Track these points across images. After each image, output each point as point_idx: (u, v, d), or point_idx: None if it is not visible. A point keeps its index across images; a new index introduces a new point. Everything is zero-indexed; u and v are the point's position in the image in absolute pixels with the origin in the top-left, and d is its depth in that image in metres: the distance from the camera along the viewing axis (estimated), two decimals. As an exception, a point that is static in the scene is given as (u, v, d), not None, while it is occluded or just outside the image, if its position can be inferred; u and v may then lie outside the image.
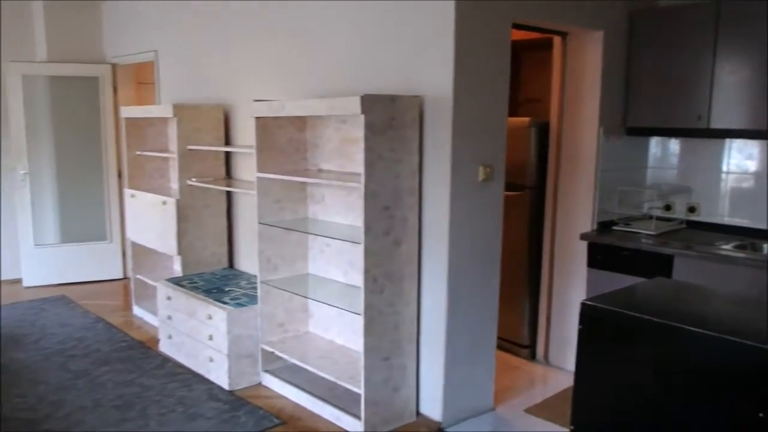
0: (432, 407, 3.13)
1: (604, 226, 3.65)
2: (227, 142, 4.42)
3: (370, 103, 2.80)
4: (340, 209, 3.45)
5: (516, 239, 3.90)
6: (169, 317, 4.07)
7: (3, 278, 5.93)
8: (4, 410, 3.40)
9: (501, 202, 3.16)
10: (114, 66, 5.67)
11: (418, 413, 3.19)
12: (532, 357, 3.98)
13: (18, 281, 5.89)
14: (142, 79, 5.97)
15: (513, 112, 3.43)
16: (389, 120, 2.87)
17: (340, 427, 3.14)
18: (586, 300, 2.11)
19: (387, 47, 3.15)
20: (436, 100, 2.93)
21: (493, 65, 3.02)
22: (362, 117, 2.79)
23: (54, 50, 5.58)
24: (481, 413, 3.24)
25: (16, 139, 5.51)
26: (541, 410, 3.32)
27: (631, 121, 3.69)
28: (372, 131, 2.81)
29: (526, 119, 3.83)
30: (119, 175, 5.82)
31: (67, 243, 5.80)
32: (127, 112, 4.69)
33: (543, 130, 3.83)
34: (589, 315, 2.11)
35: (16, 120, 5.48)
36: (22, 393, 3.63)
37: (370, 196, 2.85)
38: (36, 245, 5.67)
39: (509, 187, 3.34)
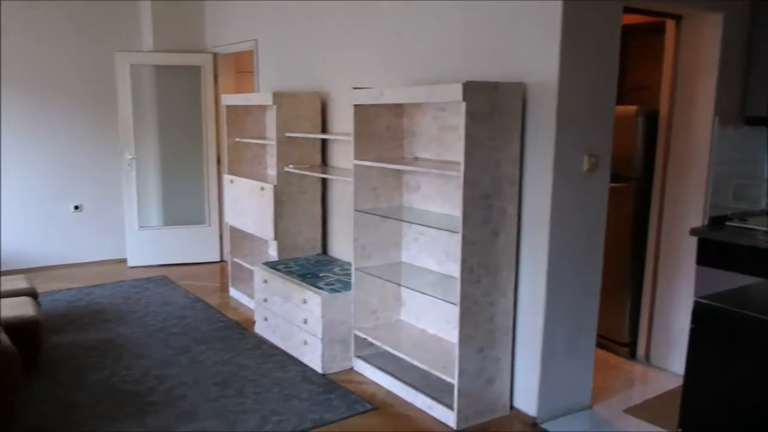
0: (526, 401, 3.10)
1: (716, 222, 3.48)
2: (324, 130, 4.52)
3: (471, 90, 2.78)
4: (437, 198, 3.46)
5: (618, 232, 3.78)
6: (265, 300, 4.22)
7: (110, 258, 6.39)
8: (113, 381, 3.65)
9: (605, 193, 3.07)
10: (215, 55, 5.91)
11: (511, 407, 3.17)
12: (632, 356, 3.86)
13: (123, 261, 6.28)
14: (241, 67, 6.19)
15: (619, 100, 3.32)
16: (491, 108, 2.84)
17: (433, 416, 3.17)
18: (700, 298, 2.03)
19: (487, 32, 3.11)
20: (540, 86, 2.88)
21: (602, 50, 2.92)
22: (463, 104, 2.77)
23: (159, 40, 5.87)
24: (577, 411, 3.18)
25: (124, 126, 5.86)
26: (642, 411, 3.22)
27: (750, 110, 3.49)
28: (473, 119, 2.80)
29: (633, 107, 3.69)
30: (218, 161, 6.07)
31: (169, 226, 6.12)
32: (228, 99, 4.89)
33: (651, 119, 3.69)
34: (703, 314, 2.03)
35: (125, 107, 5.82)
36: (128, 366, 3.88)
37: (469, 185, 2.84)
38: (140, 227, 6.02)
39: (613, 178, 3.24)
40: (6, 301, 3.92)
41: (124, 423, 3.12)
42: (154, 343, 4.26)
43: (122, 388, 3.53)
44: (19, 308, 3.78)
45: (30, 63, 5.61)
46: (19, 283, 4.32)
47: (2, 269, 5.71)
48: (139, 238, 6.01)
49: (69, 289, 5.37)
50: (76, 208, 5.99)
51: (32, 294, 4.20)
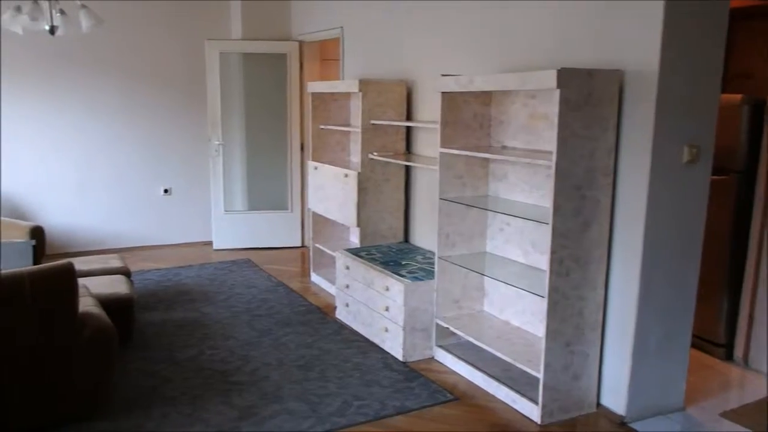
0: (614, 399, 3.02)
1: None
2: (408, 117, 4.52)
3: (566, 77, 2.71)
4: (524, 187, 3.41)
5: (718, 227, 3.61)
6: (347, 286, 4.29)
7: (196, 240, 6.65)
8: (201, 359, 3.80)
9: (706, 186, 2.94)
10: (301, 43, 6.01)
11: (598, 404, 3.09)
12: (728, 357, 3.69)
13: (209, 244, 6.52)
14: (325, 55, 6.28)
15: (721, 88, 3.17)
16: (586, 95, 2.76)
17: (516, 410, 3.14)
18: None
19: (582, 17, 3.02)
20: (639, 73, 2.77)
21: (707, 35, 2.79)
22: (557, 92, 2.71)
23: (248, 29, 6.03)
24: (669, 412, 3.07)
25: (213, 112, 6.05)
26: (740, 416, 3.08)
27: None
28: (567, 107, 2.73)
29: (737, 96, 3.51)
30: (301, 148, 6.19)
31: (252, 211, 6.30)
32: (314, 87, 4.96)
33: (757, 109, 3.50)
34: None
35: (213, 94, 6.01)
36: (214, 345, 4.03)
37: (560, 175, 2.77)
38: (225, 211, 6.22)
39: (714, 170, 3.10)
40: (102, 278, 4.14)
41: (212, 400, 3.25)
42: (239, 324, 4.40)
43: (209, 367, 3.66)
44: (114, 286, 3.98)
45: (124, 52, 5.88)
46: (114, 262, 4.55)
47: (98, 248, 6.04)
48: (224, 222, 6.21)
49: (158, 269, 5.62)
50: (166, 191, 6.26)
51: (126, 273, 4.42)
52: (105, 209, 6.06)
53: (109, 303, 3.67)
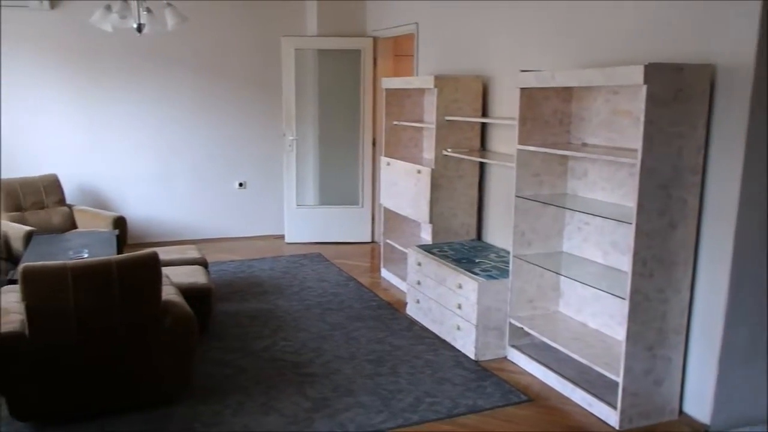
0: (698, 407, 2.91)
1: None
2: (484, 114, 4.49)
3: (654, 72, 2.63)
4: (605, 186, 3.33)
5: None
6: (419, 282, 4.30)
7: (269, 233, 6.81)
8: (274, 350, 3.89)
9: (804, 187, 2.81)
10: (375, 39, 6.05)
11: (680, 411, 2.99)
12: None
13: (281, 237, 6.66)
14: (399, 51, 6.30)
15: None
16: (675, 91, 2.67)
17: (592, 413, 3.07)
18: None
19: (669, 9, 2.93)
20: (732, 68, 2.65)
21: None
22: (644, 88, 2.63)
23: (323, 25, 6.11)
24: (758, 423, 2.94)
25: (287, 108, 6.18)
26: (834, 432, 2.93)
27: None
28: (654, 103, 2.65)
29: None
30: (373, 144, 6.24)
31: (324, 205, 6.40)
32: (388, 83, 4.99)
33: None
34: None
35: (288, 90, 6.13)
36: (287, 337, 4.12)
37: (645, 173, 2.69)
38: (298, 206, 6.34)
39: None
40: (181, 268, 4.30)
41: (285, 391, 3.32)
42: (311, 317, 4.48)
43: (282, 358, 3.75)
44: (193, 276, 4.12)
45: (203, 48, 6.08)
46: (192, 252, 4.71)
47: (175, 239, 6.27)
48: (296, 216, 6.33)
49: (232, 261, 5.78)
50: (241, 185, 6.43)
51: (203, 263, 4.57)
52: (183, 201, 6.28)
53: (188, 292, 3.79)
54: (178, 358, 3.15)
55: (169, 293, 3.37)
